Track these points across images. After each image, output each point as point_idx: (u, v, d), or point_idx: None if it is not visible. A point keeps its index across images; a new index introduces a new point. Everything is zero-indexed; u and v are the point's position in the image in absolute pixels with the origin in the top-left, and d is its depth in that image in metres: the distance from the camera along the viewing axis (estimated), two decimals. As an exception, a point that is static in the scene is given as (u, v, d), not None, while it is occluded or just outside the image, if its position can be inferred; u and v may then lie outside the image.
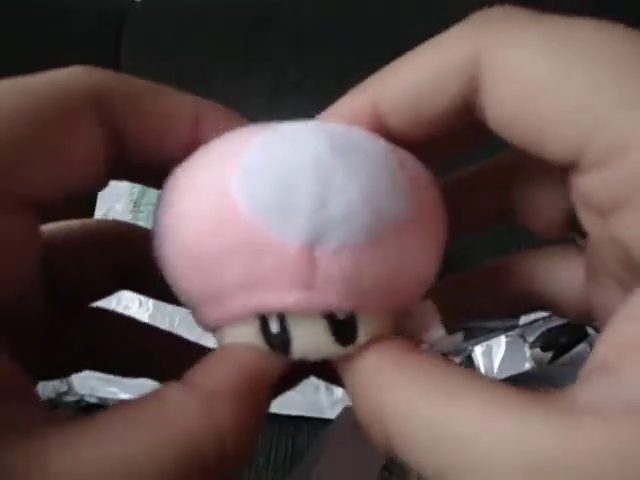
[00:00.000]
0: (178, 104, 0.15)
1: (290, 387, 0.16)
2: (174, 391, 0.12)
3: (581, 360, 0.69)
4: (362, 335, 0.13)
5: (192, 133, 0.15)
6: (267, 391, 0.13)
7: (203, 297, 0.13)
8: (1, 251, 0.12)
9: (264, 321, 0.13)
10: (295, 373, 0.15)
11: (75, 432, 0.11)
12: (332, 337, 0.13)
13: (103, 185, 0.15)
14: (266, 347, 0.13)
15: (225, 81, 0.80)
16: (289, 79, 0.81)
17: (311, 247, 0.12)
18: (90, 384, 0.60)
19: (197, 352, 0.14)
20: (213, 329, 0.14)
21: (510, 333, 0.71)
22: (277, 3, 0.87)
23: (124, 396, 0.59)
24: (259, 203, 0.12)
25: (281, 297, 0.12)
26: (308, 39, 0.83)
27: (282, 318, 0.13)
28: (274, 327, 0.13)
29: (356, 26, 0.85)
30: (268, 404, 0.13)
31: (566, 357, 0.68)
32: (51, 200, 0.13)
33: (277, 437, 0.44)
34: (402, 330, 0.14)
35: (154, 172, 0.15)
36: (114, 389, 0.59)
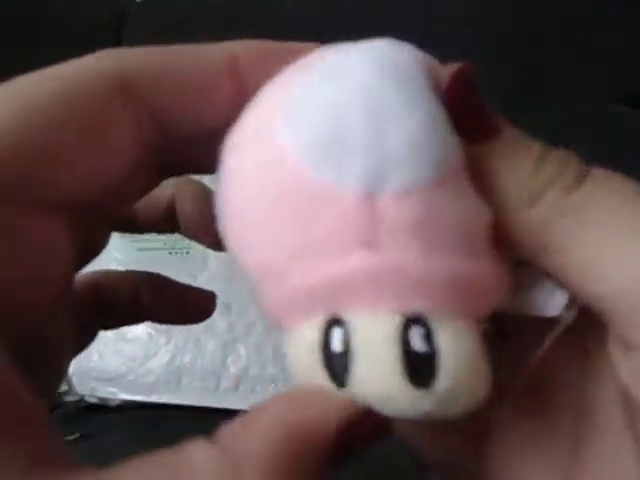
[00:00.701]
0: (206, 63, 0.13)
1: (361, 447, 0.11)
2: (201, 452, 0.10)
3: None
4: (443, 374, 0.09)
5: (231, 89, 0.13)
6: (317, 458, 0.10)
7: (260, 271, 0.11)
8: (34, 256, 0.11)
9: (328, 328, 0.10)
10: (367, 429, 0.11)
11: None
12: (402, 370, 0.09)
13: (152, 185, 0.14)
14: (323, 371, 0.10)
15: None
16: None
17: (371, 194, 0.10)
18: (90, 384, 0.59)
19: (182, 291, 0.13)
20: (282, 329, 0.11)
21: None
22: (278, 3, 0.87)
23: (124, 396, 0.59)
24: (307, 145, 0.10)
25: (341, 263, 0.09)
26: (308, 39, 0.83)
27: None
28: (336, 341, 0.10)
29: (356, 27, 0.84)
30: (320, 475, 0.10)
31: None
32: (87, 200, 0.12)
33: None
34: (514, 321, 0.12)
35: (204, 153, 0.13)
36: (114, 389, 0.59)
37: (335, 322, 0.10)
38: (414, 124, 0.10)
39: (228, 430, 0.11)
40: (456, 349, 0.10)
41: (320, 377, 0.10)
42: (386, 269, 0.09)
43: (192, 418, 0.54)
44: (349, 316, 0.10)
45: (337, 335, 0.10)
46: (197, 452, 0.10)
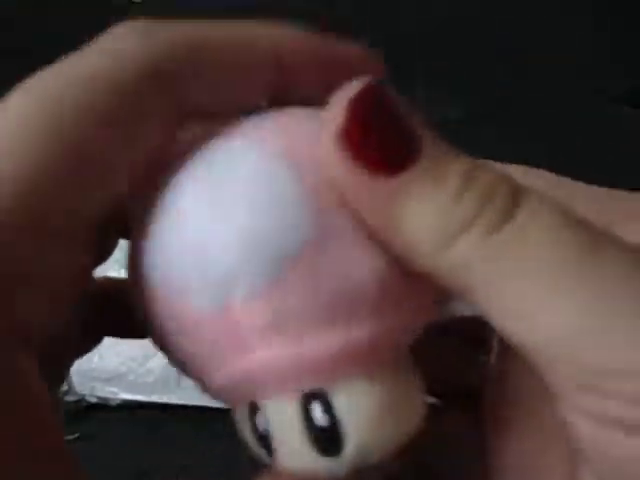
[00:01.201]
0: (250, 55, 0.12)
1: None
2: None
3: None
4: (348, 439, 0.10)
5: (275, 83, 0.12)
6: None
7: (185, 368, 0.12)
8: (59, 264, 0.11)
9: (251, 414, 0.11)
10: None
11: None
12: (311, 445, 0.10)
13: None
14: (260, 449, 0.11)
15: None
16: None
17: (222, 308, 0.10)
18: (90, 384, 0.59)
19: None
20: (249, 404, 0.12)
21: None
22: (277, 4, 0.86)
23: (125, 396, 0.59)
24: (166, 279, 0.11)
25: (232, 366, 0.11)
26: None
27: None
28: (260, 425, 0.11)
29: (356, 27, 0.84)
30: None
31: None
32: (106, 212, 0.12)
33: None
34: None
35: None
36: (114, 389, 0.59)
37: (256, 408, 0.11)
38: (231, 243, 0.10)
39: None
40: (355, 413, 0.10)
41: (261, 452, 0.12)
42: (266, 365, 0.10)
43: (192, 418, 0.54)
44: (262, 404, 0.11)
45: (259, 419, 0.11)
46: None
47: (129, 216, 0.12)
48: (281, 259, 0.10)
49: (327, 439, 0.10)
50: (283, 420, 0.11)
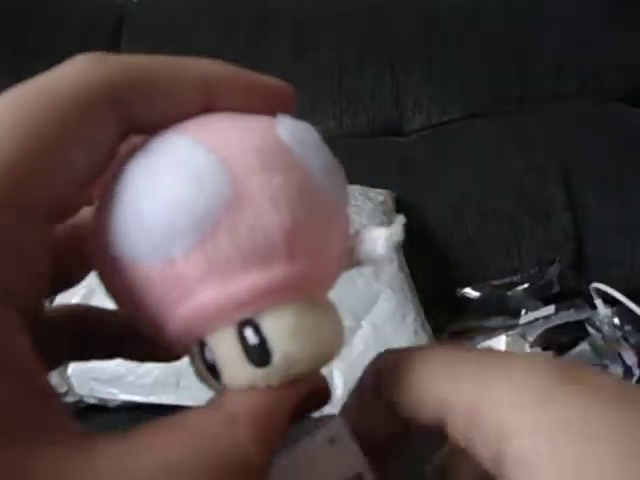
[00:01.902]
0: (183, 80, 0.15)
1: (310, 410, 0.16)
2: (203, 412, 0.13)
3: (581, 359, 0.69)
4: (275, 351, 0.14)
5: (204, 104, 0.15)
6: (282, 416, 0.14)
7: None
8: (23, 254, 0.13)
9: (200, 347, 0.14)
10: (313, 401, 0.16)
11: (119, 442, 0.12)
12: (247, 359, 0.14)
13: None
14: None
15: (225, 81, 0.80)
16: (289, 79, 0.81)
17: (168, 263, 0.13)
18: (90, 385, 0.59)
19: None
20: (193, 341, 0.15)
21: (510, 332, 0.71)
22: (277, 3, 0.87)
23: (124, 397, 0.59)
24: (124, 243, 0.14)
25: (180, 309, 0.14)
26: (308, 39, 0.83)
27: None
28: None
29: (356, 26, 0.85)
30: (284, 426, 0.14)
31: (566, 357, 0.69)
32: (74, 203, 0.14)
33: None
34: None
35: None
36: (114, 390, 0.59)
37: (204, 344, 0.14)
38: (161, 207, 0.13)
39: (221, 398, 0.14)
40: (278, 331, 0.14)
41: (212, 382, 0.15)
42: (207, 304, 0.13)
43: (192, 418, 0.54)
44: (208, 339, 0.14)
45: (207, 353, 0.14)
46: (199, 413, 0.13)
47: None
48: (207, 219, 0.13)
49: (259, 353, 0.14)
50: (225, 346, 0.14)
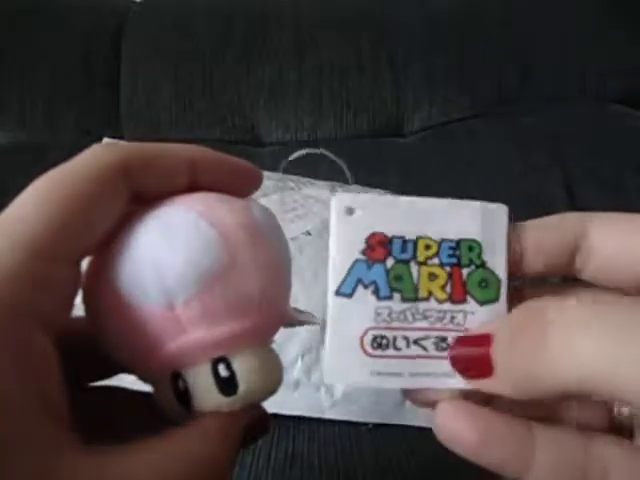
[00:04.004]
0: (174, 160, 0.19)
1: (255, 437, 0.20)
2: (185, 429, 0.17)
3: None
4: (240, 384, 0.17)
5: (190, 178, 0.19)
6: (239, 430, 0.18)
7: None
8: (61, 295, 0.16)
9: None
10: (259, 427, 0.20)
11: (122, 453, 0.15)
12: (218, 389, 0.17)
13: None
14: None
15: (225, 81, 0.81)
16: (289, 79, 0.81)
17: (170, 307, 0.17)
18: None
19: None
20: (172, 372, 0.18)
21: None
22: (277, 3, 0.87)
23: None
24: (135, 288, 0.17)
25: (173, 345, 0.17)
26: (308, 39, 0.84)
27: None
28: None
29: (356, 26, 0.85)
30: (239, 439, 0.18)
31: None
32: (92, 248, 0.18)
33: (277, 437, 0.44)
34: None
35: None
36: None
37: (178, 375, 0.17)
38: (175, 265, 0.17)
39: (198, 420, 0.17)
40: (244, 368, 0.17)
41: (178, 408, 0.18)
42: (194, 342, 0.17)
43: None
44: (186, 370, 0.17)
45: (180, 383, 0.17)
46: (181, 430, 0.17)
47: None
48: (209, 276, 0.17)
49: (227, 385, 0.17)
50: (200, 377, 0.17)
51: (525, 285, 0.20)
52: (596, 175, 0.75)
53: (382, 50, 0.81)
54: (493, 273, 0.19)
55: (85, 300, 0.18)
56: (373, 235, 0.19)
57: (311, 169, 0.68)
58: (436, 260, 0.19)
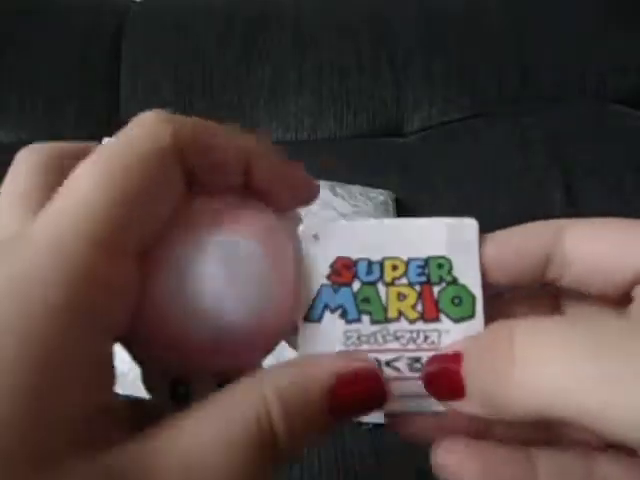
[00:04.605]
0: (235, 155, 0.17)
1: (361, 408, 0.18)
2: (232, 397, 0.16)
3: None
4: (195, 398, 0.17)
5: (244, 179, 0.17)
6: (317, 409, 0.16)
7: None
8: (122, 289, 0.15)
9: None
10: (362, 390, 0.18)
11: (142, 441, 0.14)
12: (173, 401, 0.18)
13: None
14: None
15: (225, 81, 0.80)
16: (289, 79, 0.81)
17: (213, 338, 0.17)
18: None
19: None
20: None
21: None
22: (277, 3, 0.87)
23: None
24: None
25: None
26: (308, 39, 0.84)
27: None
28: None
29: (356, 26, 0.85)
30: (324, 424, 0.16)
31: None
32: (152, 241, 0.16)
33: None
34: None
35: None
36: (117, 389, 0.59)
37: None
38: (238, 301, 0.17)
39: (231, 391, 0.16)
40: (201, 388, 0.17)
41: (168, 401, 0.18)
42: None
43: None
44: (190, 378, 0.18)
45: (180, 388, 0.18)
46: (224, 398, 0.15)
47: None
48: (256, 312, 0.17)
49: (183, 398, 0.18)
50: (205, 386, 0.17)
51: (503, 297, 0.20)
52: (596, 175, 0.75)
53: (382, 50, 0.81)
54: (466, 289, 0.18)
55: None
56: (338, 260, 0.18)
57: (311, 168, 0.68)
58: (404, 280, 0.18)
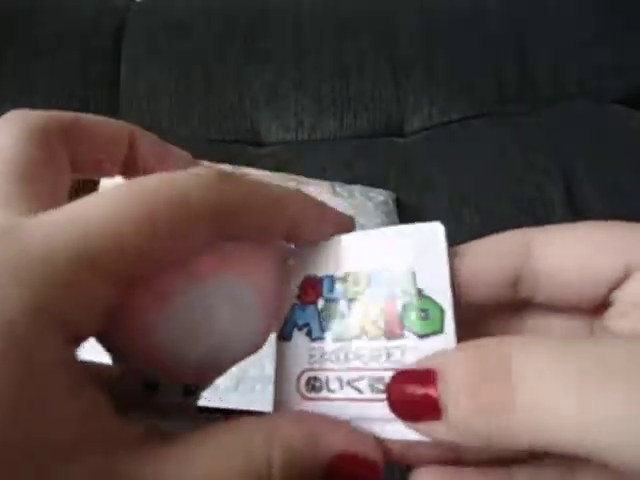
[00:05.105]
0: (116, 131, 0.19)
1: None
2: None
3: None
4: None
5: (128, 153, 0.19)
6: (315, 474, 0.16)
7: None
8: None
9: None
10: (359, 468, 0.17)
11: (181, 449, 0.14)
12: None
13: None
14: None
15: (225, 81, 0.80)
16: (289, 79, 0.81)
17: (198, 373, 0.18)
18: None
19: None
20: None
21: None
22: (277, 3, 0.87)
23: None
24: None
25: None
26: (308, 39, 0.84)
27: None
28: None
29: (356, 26, 0.85)
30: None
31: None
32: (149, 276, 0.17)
33: (277, 437, 0.44)
34: None
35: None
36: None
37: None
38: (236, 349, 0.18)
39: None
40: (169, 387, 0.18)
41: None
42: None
43: (192, 418, 0.54)
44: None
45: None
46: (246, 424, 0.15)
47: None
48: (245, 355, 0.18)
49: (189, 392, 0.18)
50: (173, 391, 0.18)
51: (473, 310, 0.18)
52: (596, 175, 0.75)
53: (382, 50, 0.81)
54: (434, 302, 0.17)
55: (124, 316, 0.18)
56: (306, 279, 0.18)
57: (312, 168, 0.68)
58: (366, 295, 0.17)
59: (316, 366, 0.18)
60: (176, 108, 0.79)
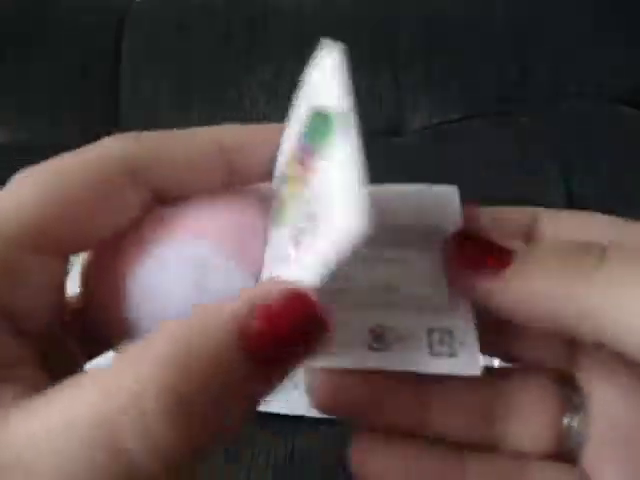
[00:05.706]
0: (197, 148, 0.17)
1: (308, 341, 0.13)
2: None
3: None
4: None
5: (222, 168, 0.17)
6: (231, 345, 0.13)
7: None
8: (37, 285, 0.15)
9: None
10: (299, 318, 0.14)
11: (27, 406, 0.12)
12: None
13: None
14: None
15: (225, 81, 0.81)
16: (289, 79, 0.81)
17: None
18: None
19: None
20: None
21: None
22: (277, 3, 0.87)
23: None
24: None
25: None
26: (308, 38, 0.83)
27: None
28: None
29: (356, 26, 0.85)
30: (257, 364, 0.12)
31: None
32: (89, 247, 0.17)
33: (277, 437, 0.44)
34: None
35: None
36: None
37: None
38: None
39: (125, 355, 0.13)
40: None
41: None
42: None
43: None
44: None
45: None
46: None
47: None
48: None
49: None
50: None
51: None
52: (596, 175, 0.75)
53: (382, 50, 0.81)
54: None
55: (89, 289, 0.18)
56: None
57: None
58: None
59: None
60: (176, 108, 0.79)
